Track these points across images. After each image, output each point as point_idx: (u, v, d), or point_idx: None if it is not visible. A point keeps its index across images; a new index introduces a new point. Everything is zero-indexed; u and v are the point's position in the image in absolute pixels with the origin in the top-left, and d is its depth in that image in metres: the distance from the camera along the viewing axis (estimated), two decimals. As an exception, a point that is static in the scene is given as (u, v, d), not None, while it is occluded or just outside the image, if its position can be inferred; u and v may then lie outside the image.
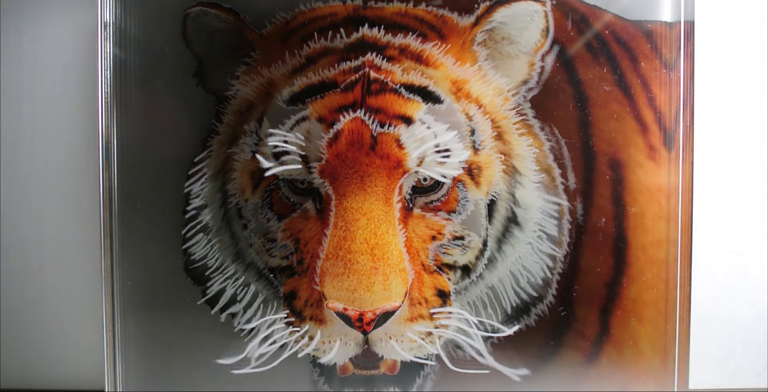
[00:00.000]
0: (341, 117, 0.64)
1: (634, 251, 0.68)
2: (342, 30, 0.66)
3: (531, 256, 0.68)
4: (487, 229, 0.67)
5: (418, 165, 0.64)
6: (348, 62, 0.65)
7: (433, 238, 0.65)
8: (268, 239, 0.67)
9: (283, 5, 0.67)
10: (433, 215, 0.65)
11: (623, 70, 0.67)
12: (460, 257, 0.66)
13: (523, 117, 0.67)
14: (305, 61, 0.66)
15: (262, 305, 0.68)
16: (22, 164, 0.80)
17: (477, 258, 0.67)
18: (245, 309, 0.68)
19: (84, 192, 0.78)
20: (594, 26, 0.67)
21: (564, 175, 0.67)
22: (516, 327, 0.68)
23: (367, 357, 0.66)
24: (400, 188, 0.64)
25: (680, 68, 0.67)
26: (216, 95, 0.68)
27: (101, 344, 0.68)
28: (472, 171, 0.66)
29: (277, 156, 0.65)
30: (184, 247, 0.68)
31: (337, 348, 0.65)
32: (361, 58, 0.65)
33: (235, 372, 0.68)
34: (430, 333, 0.65)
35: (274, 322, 0.67)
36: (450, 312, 0.66)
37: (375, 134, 0.63)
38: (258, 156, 0.65)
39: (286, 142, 0.64)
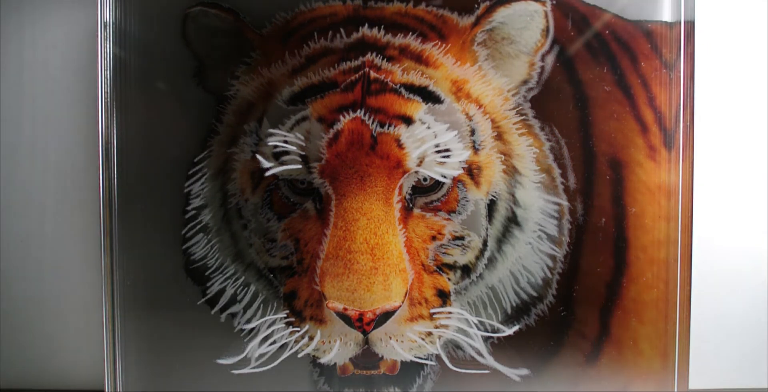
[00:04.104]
0: (341, 117, 0.64)
1: (634, 251, 0.68)
2: (342, 30, 0.66)
3: (531, 256, 0.68)
4: (487, 229, 0.67)
5: (418, 165, 0.64)
6: (348, 62, 0.65)
7: (433, 238, 0.65)
8: (268, 239, 0.67)
9: (283, 5, 0.67)
10: (433, 215, 0.65)
11: (623, 70, 0.67)
12: (460, 257, 0.66)
13: (523, 117, 0.67)
14: (305, 61, 0.66)
15: (262, 305, 0.68)
16: (22, 164, 0.80)
17: (477, 258, 0.67)
18: (245, 309, 0.68)
19: (84, 192, 0.78)
20: (594, 26, 0.67)
21: (564, 175, 0.67)
22: (516, 327, 0.68)
23: (367, 357, 0.66)
24: (400, 188, 0.64)
25: (680, 68, 0.67)
26: (216, 95, 0.68)
27: (101, 344, 0.68)
28: (472, 171, 0.66)
29: (277, 156, 0.65)
30: (184, 247, 0.68)
31: (337, 348, 0.65)
32: (361, 58, 0.65)
33: (235, 372, 0.68)
34: (430, 333, 0.65)
35: (274, 322, 0.67)
36: (450, 312, 0.66)
37: (375, 134, 0.63)
38: (258, 156, 0.65)
39: (286, 142, 0.64)
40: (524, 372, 0.68)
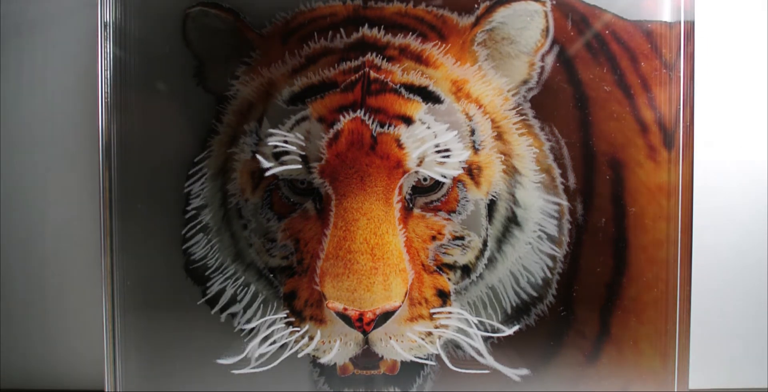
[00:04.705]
0: (341, 117, 0.64)
1: (634, 251, 0.68)
2: (342, 30, 0.66)
3: (531, 256, 0.68)
4: (487, 229, 0.67)
5: (418, 165, 0.64)
6: (348, 62, 0.65)
7: (433, 238, 0.65)
8: (268, 239, 0.67)
9: (283, 5, 0.67)
10: (433, 215, 0.65)
11: (623, 70, 0.67)
12: (460, 257, 0.66)
13: (523, 117, 0.67)
14: (305, 61, 0.66)
15: (262, 305, 0.68)
16: (22, 164, 0.80)
17: (477, 258, 0.67)
18: (245, 309, 0.68)
19: (84, 192, 0.78)
20: (594, 26, 0.67)
21: (564, 175, 0.67)
22: (516, 327, 0.68)
23: (367, 357, 0.66)
24: (400, 188, 0.64)
25: (680, 68, 0.67)
26: (216, 95, 0.68)
27: (101, 344, 0.68)
28: (472, 171, 0.66)
29: (277, 156, 0.65)
30: (184, 247, 0.68)
31: (337, 348, 0.65)
32: (361, 58, 0.65)
33: (235, 372, 0.68)
34: (430, 333, 0.65)
35: (274, 322, 0.67)
36: (450, 312, 0.66)
37: (375, 134, 0.63)
38: (258, 156, 0.65)
39: (286, 142, 0.64)
40: (524, 372, 0.68)
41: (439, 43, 0.66)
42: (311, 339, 0.65)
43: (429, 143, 0.64)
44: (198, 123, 0.68)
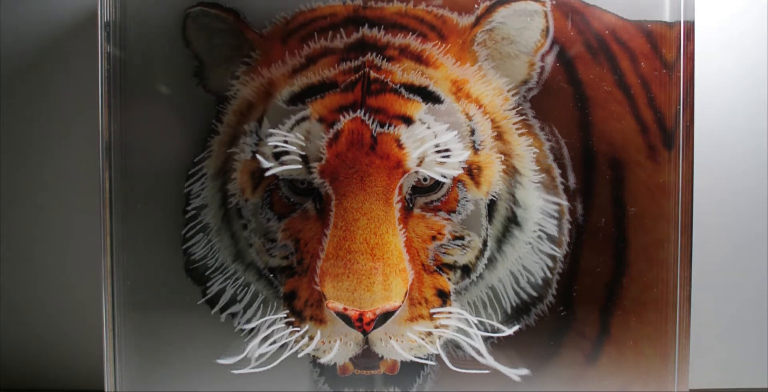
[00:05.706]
0: (341, 117, 0.64)
1: (634, 251, 0.68)
2: (342, 30, 0.66)
3: (531, 256, 0.68)
4: (487, 229, 0.67)
5: (418, 165, 0.64)
6: (348, 62, 0.65)
7: (433, 238, 0.65)
8: (268, 239, 0.67)
9: (283, 5, 0.67)
10: (433, 215, 0.65)
11: (623, 71, 0.67)
12: (460, 257, 0.66)
13: (523, 117, 0.67)
14: (305, 61, 0.66)
15: (262, 305, 0.68)
16: (22, 164, 0.80)
17: (477, 258, 0.67)
18: (245, 309, 0.68)
19: (84, 192, 0.78)
20: (594, 26, 0.67)
21: (564, 175, 0.67)
22: (516, 327, 0.68)
23: (367, 357, 0.66)
24: (400, 188, 0.64)
25: (680, 68, 0.67)
26: (216, 95, 0.68)
27: (101, 344, 0.68)
28: (472, 171, 0.66)
29: (277, 156, 0.65)
30: (184, 247, 0.68)
31: (337, 348, 0.65)
32: (361, 58, 0.65)
33: (235, 372, 0.68)
34: (430, 333, 0.65)
35: (274, 322, 0.67)
36: (450, 312, 0.66)
37: (375, 134, 0.63)
38: (258, 156, 0.65)
39: (286, 142, 0.64)
40: (524, 372, 0.68)
41: (439, 43, 0.66)
42: (311, 339, 0.65)
43: (429, 143, 0.64)
44: (198, 123, 0.68)
